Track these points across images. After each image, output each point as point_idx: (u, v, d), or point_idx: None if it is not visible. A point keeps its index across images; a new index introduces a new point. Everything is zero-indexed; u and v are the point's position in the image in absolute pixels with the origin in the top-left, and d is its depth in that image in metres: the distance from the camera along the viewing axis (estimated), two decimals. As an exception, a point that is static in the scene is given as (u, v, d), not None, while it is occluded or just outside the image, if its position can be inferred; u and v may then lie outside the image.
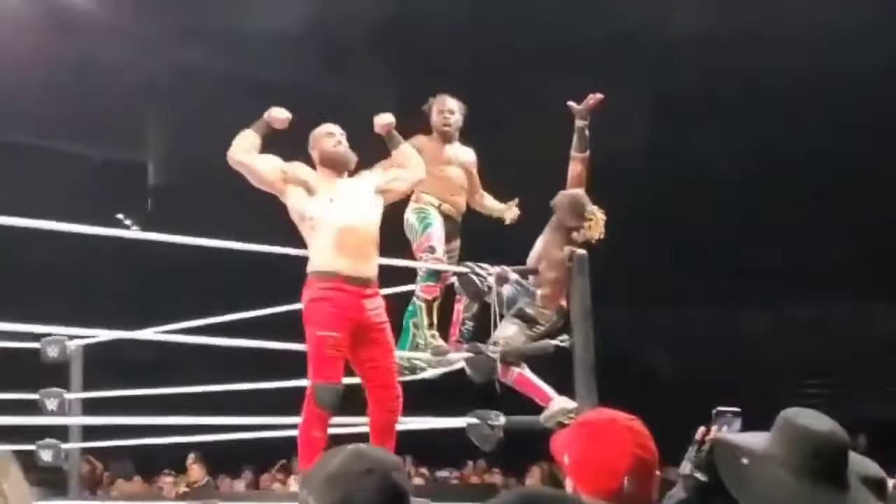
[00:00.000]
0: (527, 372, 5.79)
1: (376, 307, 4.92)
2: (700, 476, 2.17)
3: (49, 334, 6.41)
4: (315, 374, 4.75)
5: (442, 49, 12.85)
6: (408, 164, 5.21)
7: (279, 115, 4.98)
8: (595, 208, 5.77)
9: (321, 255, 4.83)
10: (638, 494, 2.16)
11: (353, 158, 5.05)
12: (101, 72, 13.14)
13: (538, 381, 5.77)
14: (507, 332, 5.78)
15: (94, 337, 6.52)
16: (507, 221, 6.29)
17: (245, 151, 4.91)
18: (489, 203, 6.33)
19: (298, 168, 4.97)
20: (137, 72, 13.47)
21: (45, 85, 12.44)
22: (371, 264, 4.91)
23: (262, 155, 4.95)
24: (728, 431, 2.22)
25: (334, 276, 4.79)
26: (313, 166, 5.04)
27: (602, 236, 5.74)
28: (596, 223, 5.73)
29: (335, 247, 4.81)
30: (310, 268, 4.88)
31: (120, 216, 14.50)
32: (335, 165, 5.00)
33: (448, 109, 6.06)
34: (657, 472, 2.23)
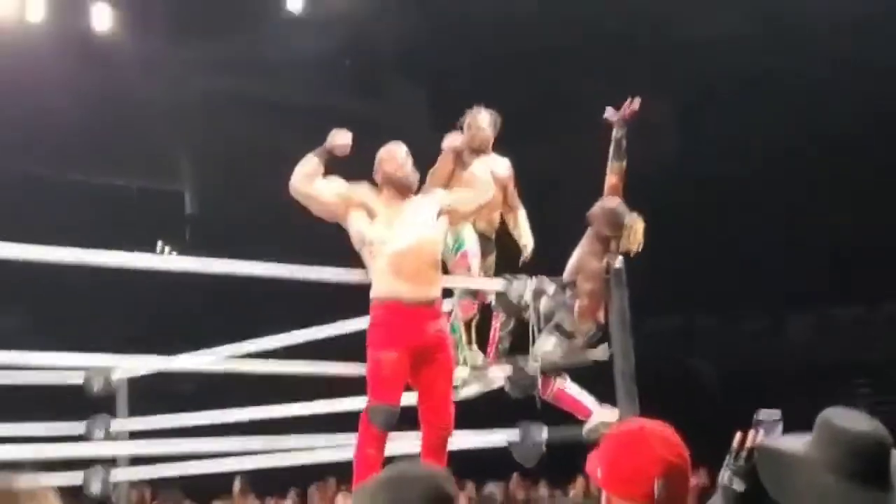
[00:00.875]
0: (568, 385, 5.78)
1: (439, 328, 4.99)
2: (738, 486, 2.17)
3: (91, 367, 6.46)
4: (372, 395, 4.82)
5: (472, 68, 12.88)
6: (476, 185, 5.25)
7: (341, 141, 4.97)
8: (634, 216, 5.75)
9: (381, 281, 4.90)
10: (671, 499, 2.16)
11: (415, 180, 5.09)
12: (136, 103, 13.28)
13: (579, 394, 5.76)
14: (546, 346, 5.78)
15: (138, 369, 6.56)
16: (522, 256, 6.26)
17: (306, 180, 4.92)
18: (521, 225, 6.29)
19: (360, 191, 5.00)
20: (172, 101, 13.60)
21: (81, 117, 12.58)
22: (432, 286, 4.97)
23: (323, 180, 4.96)
24: (769, 436, 2.22)
25: (394, 300, 4.85)
26: (376, 185, 5.07)
27: (641, 247, 5.72)
28: (634, 233, 5.71)
29: (394, 272, 4.86)
30: (372, 293, 4.94)
31: (160, 243, 14.61)
32: (399, 188, 5.03)
33: (477, 126, 6.04)
34: (690, 477, 2.24)
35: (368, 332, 4.93)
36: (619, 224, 5.72)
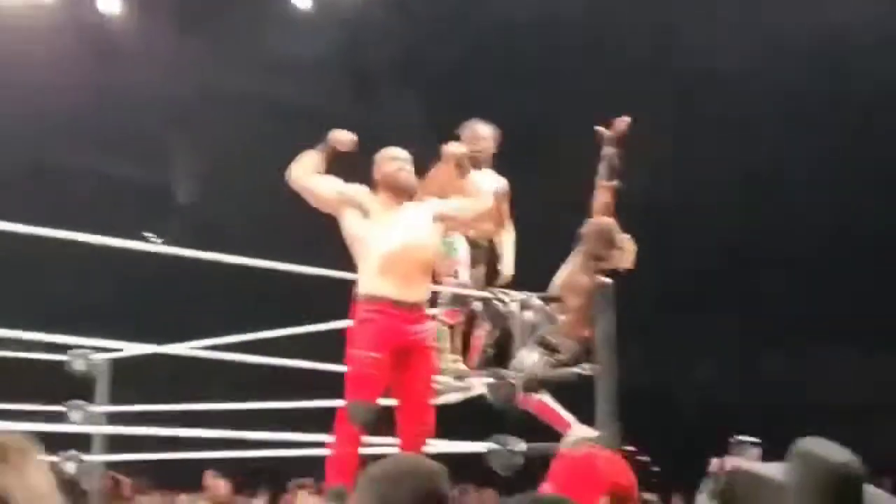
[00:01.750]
0: (547, 399, 5.81)
1: (422, 331, 4.99)
2: None
3: (76, 346, 6.49)
4: (351, 393, 4.81)
5: (470, 74, 12.92)
6: (474, 194, 5.27)
7: (342, 138, 5.02)
8: (626, 237, 5.78)
9: (369, 279, 4.90)
10: None
11: (414, 185, 5.11)
12: (130, 94, 13.27)
13: (558, 408, 5.79)
14: (529, 360, 5.80)
15: (119, 350, 6.58)
16: (500, 278, 6.26)
17: (304, 171, 4.97)
18: (506, 248, 6.31)
19: (357, 191, 5.02)
20: (167, 94, 13.60)
21: (76, 106, 12.57)
22: (419, 290, 4.98)
23: (321, 176, 5.00)
24: (746, 461, 2.26)
25: (380, 299, 4.86)
26: (374, 187, 5.09)
27: (632, 266, 5.76)
28: (626, 252, 5.75)
29: (382, 271, 4.87)
30: (359, 290, 4.94)
31: (147, 234, 14.58)
32: (396, 191, 5.05)
33: (481, 136, 6.08)
34: (636, 500, 2.31)
35: (352, 331, 4.92)
36: (611, 242, 5.75)
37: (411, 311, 4.92)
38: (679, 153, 13.05)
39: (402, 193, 5.07)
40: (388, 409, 5.02)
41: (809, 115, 12.55)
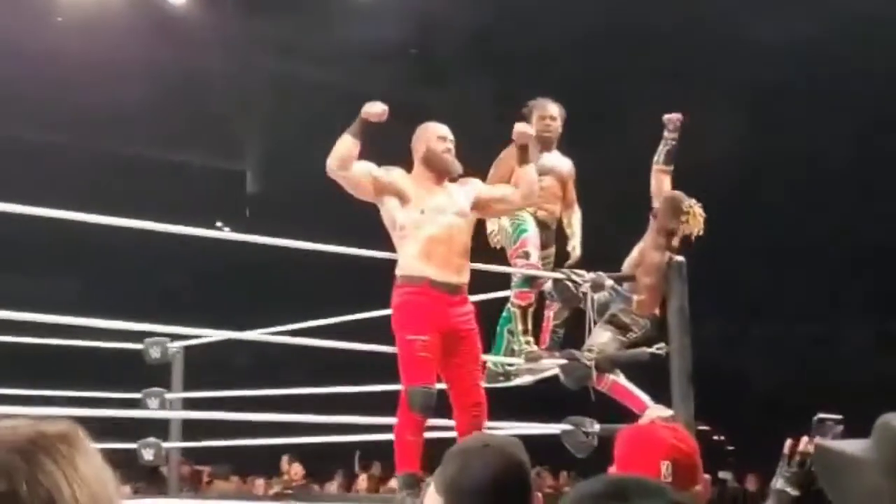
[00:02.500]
0: (621, 379, 5.77)
1: (464, 314, 4.94)
2: (791, 490, 2.17)
3: (152, 334, 6.57)
4: (408, 378, 4.79)
5: (539, 59, 12.85)
6: (524, 187, 5.17)
7: (374, 109, 4.88)
8: (693, 202, 5.74)
9: (409, 262, 4.88)
10: (680, 484, 2.18)
11: (457, 169, 5.05)
12: (202, 82, 13.42)
13: (633, 388, 5.75)
14: (601, 339, 5.77)
15: (195, 338, 6.65)
16: (570, 259, 6.23)
17: (340, 162, 4.87)
18: (574, 227, 6.26)
19: (393, 177, 4.97)
20: (237, 83, 13.73)
21: (147, 96, 12.72)
22: (459, 273, 4.93)
23: (356, 164, 4.92)
24: (829, 438, 2.21)
25: (422, 280, 4.84)
26: (414, 161, 5.04)
27: (702, 232, 5.70)
28: (694, 216, 5.71)
29: (423, 255, 4.84)
30: (398, 272, 4.93)
31: (219, 224, 14.74)
32: (438, 170, 5.00)
33: (549, 115, 6.02)
34: (699, 472, 2.27)
35: (396, 315, 4.88)
36: (679, 210, 5.71)
37: (453, 294, 4.88)
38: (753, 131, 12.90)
39: (444, 175, 5.02)
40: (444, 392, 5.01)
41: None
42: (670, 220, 5.73)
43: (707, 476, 2.28)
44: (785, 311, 15.03)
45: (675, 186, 5.89)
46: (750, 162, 13.64)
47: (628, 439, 2.32)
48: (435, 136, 5.05)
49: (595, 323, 5.80)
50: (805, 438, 2.24)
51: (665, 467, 2.19)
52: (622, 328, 5.78)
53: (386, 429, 5.14)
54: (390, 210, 4.95)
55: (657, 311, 5.79)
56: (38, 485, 1.04)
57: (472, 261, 5.10)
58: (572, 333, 5.96)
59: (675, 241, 5.72)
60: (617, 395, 5.74)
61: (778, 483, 2.21)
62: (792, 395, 12.62)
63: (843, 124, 13.01)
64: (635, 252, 5.91)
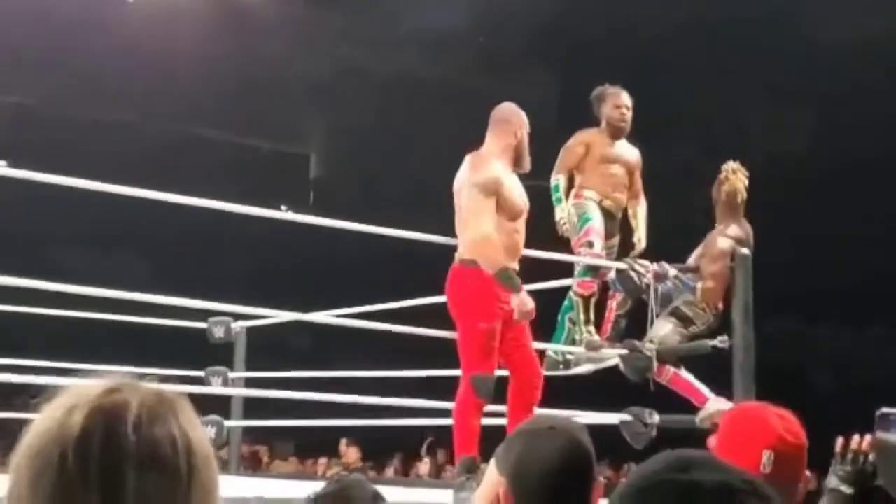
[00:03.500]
0: (683, 372, 5.73)
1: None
2: (845, 489, 2.13)
3: (216, 313, 6.64)
4: (474, 365, 4.79)
5: (603, 48, 12.77)
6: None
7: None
8: (731, 164, 5.73)
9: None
10: (780, 477, 2.09)
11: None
12: (269, 67, 13.52)
13: (694, 380, 5.71)
14: (662, 330, 5.74)
15: (259, 318, 6.70)
16: (635, 250, 6.18)
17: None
18: (639, 217, 6.20)
19: (498, 174, 4.89)
20: (302, 69, 13.79)
21: (215, 78, 12.84)
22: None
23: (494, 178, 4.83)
24: (892, 434, 2.18)
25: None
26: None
27: (745, 192, 5.68)
28: (734, 174, 5.70)
29: (506, 243, 4.84)
30: (468, 255, 4.86)
31: (283, 208, 14.83)
32: (521, 159, 4.98)
33: (625, 105, 5.96)
34: (804, 464, 2.18)
35: (467, 299, 4.84)
36: (721, 181, 5.73)
37: None
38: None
39: (523, 164, 5.01)
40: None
41: None
42: (716, 190, 5.74)
43: (809, 473, 2.18)
44: (852, 310, 14.81)
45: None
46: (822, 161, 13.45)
47: (734, 419, 2.24)
48: (523, 121, 5.04)
49: (657, 315, 5.76)
50: (856, 437, 2.21)
51: (766, 456, 2.10)
52: (685, 321, 5.74)
53: (445, 413, 5.15)
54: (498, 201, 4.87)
55: (720, 306, 5.74)
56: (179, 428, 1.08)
57: (534, 248, 5.10)
58: (635, 324, 5.93)
59: (727, 209, 5.69)
60: (677, 387, 5.71)
61: (832, 482, 2.17)
62: (855, 395, 12.45)
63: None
64: (700, 247, 5.88)
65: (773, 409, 2.21)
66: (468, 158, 4.96)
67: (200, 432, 1.11)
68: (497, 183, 4.83)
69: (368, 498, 1.94)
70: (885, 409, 2.23)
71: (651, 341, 5.68)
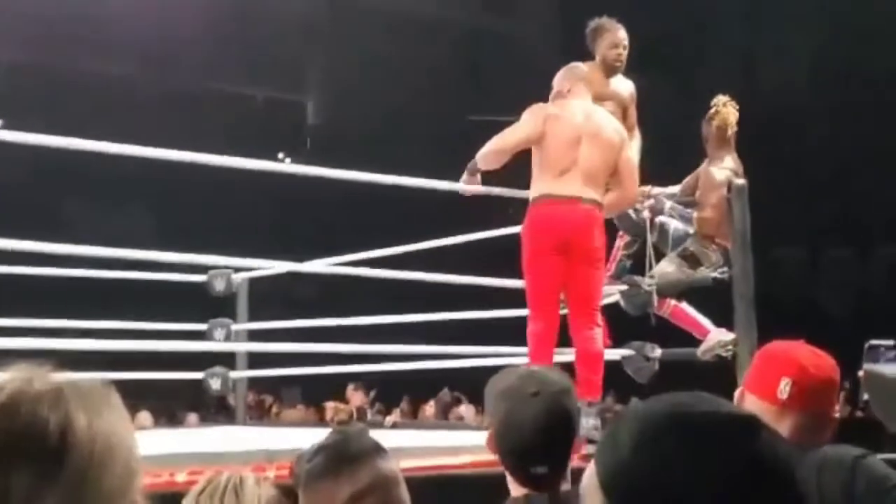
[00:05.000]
0: (684, 305, 5.73)
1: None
2: None
3: (216, 266, 6.63)
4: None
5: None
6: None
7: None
8: (721, 98, 5.70)
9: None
10: (801, 407, 2.12)
11: None
12: (261, 11, 13.40)
13: (695, 313, 5.71)
14: (666, 268, 5.72)
15: (259, 269, 6.70)
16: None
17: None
18: (633, 149, 6.15)
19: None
20: (297, 11, 13.67)
21: (207, 26, 12.73)
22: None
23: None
24: (883, 365, 2.19)
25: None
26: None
27: (735, 125, 5.65)
28: (725, 106, 5.67)
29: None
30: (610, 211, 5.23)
31: (280, 156, 14.78)
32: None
33: (623, 45, 5.82)
34: (832, 397, 2.18)
35: (605, 244, 5.18)
36: (710, 114, 5.71)
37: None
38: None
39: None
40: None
41: None
42: (706, 125, 5.71)
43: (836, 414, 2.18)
44: (857, 235, 14.77)
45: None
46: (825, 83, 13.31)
47: (764, 350, 2.26)
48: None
49: (656, 251, 5.74)
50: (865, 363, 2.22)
51: (784, 384, 2.11)
52: (691, 260, 5.69)
53: (454, 358, 5.18)
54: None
55: (727, 245, 5.68)
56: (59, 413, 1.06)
57: (521, 187, 5.24)
58: (641, 264, 5.91)
59: (719, 142, 5.66)
60: (678, 321, 5.71)
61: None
62: (860, 322, 12.46)
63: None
64: (690, 178, 5.85)
65: (806, 346, 2.21)
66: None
67: (106, 426, 1.08)
68: None
69: (370, 449, 1.95)
70: (874, 341, 2.24)
71: (652, 276, 5.67)
